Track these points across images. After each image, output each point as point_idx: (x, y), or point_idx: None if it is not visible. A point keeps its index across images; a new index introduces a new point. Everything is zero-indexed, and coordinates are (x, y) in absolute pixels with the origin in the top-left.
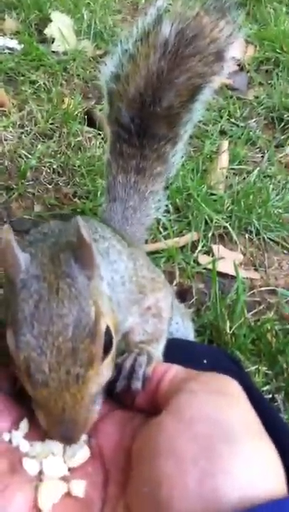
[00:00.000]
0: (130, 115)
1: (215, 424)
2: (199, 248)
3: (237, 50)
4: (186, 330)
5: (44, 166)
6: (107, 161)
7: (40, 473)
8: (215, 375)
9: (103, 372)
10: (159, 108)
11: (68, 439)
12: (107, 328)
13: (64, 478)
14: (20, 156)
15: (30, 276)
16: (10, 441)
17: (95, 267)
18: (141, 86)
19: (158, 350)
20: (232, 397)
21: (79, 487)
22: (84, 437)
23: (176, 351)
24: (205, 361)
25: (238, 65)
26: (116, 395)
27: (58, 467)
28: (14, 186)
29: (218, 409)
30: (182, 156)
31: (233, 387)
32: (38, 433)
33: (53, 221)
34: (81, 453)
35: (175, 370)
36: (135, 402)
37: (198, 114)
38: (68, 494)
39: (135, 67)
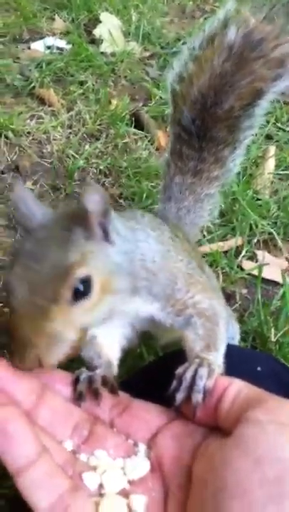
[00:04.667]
0: (192, 116)
1: (284, 467)
2: (243, 253)
3: None
4: (233, 329)
5: (91, 167)
6: (166, 162)
7: (100, 486)
8: (281, 402)
9: (75, 315)
10: (220, 110)
11: (21, 360)
12: (87, 278)
13: (123, 492)
14: (67, 156)
15: (37, 225)
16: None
17: (97, 230)
18: (204, 87)
19: (218, 359)
20: None
21: (139, 503)
22: (143, 449)
23: (229, 357)
24: (259, 368)
25: None
26: (176, 406)
27: (118, 480)
28: (61, 186)
29: (287, 449)
30: (240, 162)
31: None
32: (99, 439)
33: None
34: (142, 465)
35: (237, 386)
36: (195, 416)
37: (258, 121)
38: (128, 509)
39: (199, 68)
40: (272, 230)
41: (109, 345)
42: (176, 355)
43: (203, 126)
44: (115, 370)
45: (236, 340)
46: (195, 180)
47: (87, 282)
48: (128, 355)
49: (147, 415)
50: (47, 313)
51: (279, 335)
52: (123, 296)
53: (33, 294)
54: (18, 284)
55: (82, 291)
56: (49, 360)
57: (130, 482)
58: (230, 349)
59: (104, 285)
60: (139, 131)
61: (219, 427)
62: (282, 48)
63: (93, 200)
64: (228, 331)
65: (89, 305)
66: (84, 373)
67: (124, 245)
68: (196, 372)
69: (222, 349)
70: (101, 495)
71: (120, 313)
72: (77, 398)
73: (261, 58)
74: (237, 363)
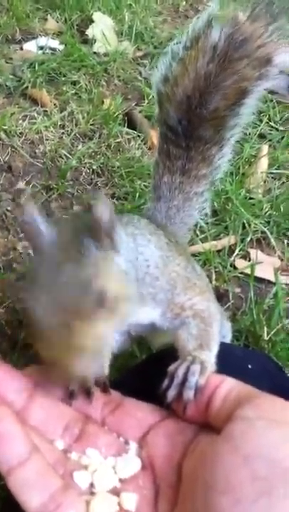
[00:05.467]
0: (178, 117)
1: (274, 464)
2: (236, 252)
3: (283, 53)
4: (224, 328)
5: (84, 167)
6: (154, 162)
7: (92, 485)
8: (270, 399)
9: (97, 328)
10: (205, 110)
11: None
12: (104, 290)
13: (115, 491)
14: (60, 156)
15: (48, 241)
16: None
17: (105, 239)
18: (188, 88)
19: (211, 358)
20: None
21: (130, 501)
22: (134, 447)
23: (221, 355)
24: (250, 366)
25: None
26: (167, 403)
27: (109, 479)
28: (54, 186)
29: (276, 446)
30: (229, 160)
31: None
32: (90, 438)
33: None
34: (132, 464)
35: (229, 384)
36: (186, 413)
37: (245, 119)
38: (119, 507)
39: (184, 69)
40: (265, 229)
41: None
42: (168, 353)
43: (190, 126)
44: (106, 370)
45: (228, 339)
46: (183, 179)
47: (104, 293)
48: (120, 354)
49: (139, 413)
50: (74, 330)
51: (272, 333)
52: (133, 305)
53: (57, 313)
54: (40, 306)
55: (101, 302)
56: (81, 374)
57: (121, 480)
58: (222, 347)
59: (118, 294)
60: (132, 131)
61: (210, 424)
62: (266, 47)
63: (102, 210)
64: (220, 330)
65: (108, 316)
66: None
67: (128, 252)
68: (188, 369)
69: (215, 349)
70: (92, 493)
71: (130, 322)
72: (69, 397)
73: (245, 58)
74: (228, 360)
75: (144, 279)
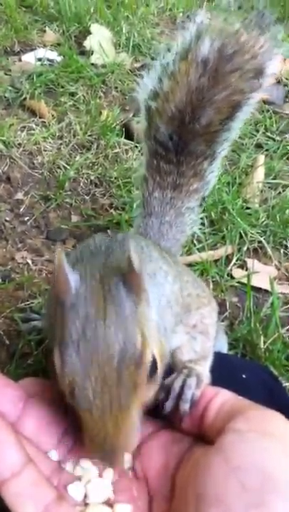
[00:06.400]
0: (168, 132)
1: (263, 476)
2: (233, 262)
3: (274, 64)
4: (219, 342)
5: (82, 177)
6: (143, 177)
7: (86, 496)
8: (262, 411)
9: (146, 398)
10: (198, 125)
11: (109, 464)
12: (153, 357)
13: (109, 502)
14: (58, 167)
15: (80, 299)
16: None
17: (143, 293)
18: (180, 103)
19: (206, 368)
20: (279, 442)
21: (124, 511)
22: (128, 457)
23: (216, 365)
24: (244, 376)
25: (275, 78)
26: (164, 415)
27: (103, 490)
28: (52, 196)
29: (266, 458)
30: (218, 174)
31: (280, 426)
32: (84, 448)
33: (98, 236)
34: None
35: (223, 397)
36: (182, 425)
37: (236, 133)
38: None
39: (175, 84)
40: (261, 239)
41: None
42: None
43: (181, 141)
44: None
45: (224, 351)
46: (175, 194)
47: (152, 360)
48: None
49: None
50: (128, 409)
51: (268, 342)
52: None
53: (108, 393)
54: (87, 383)
55: (152, 371)
56: (132, 446)
57: (115, 491)
58: (217, 356)
59: (161, 353)
60: (130, 142)
61: (204, 436)
62: (257, 59)
63: (138, 260)
64: (216, 345)
65: (156, 381)
66: None
67: (153, 299)
68: (184, 382)
69: (210, 359)
70: (86, 504)
71: None
72: (65, 408)
73: (237, 71)
74: (223, 370)
75: (168, 323)
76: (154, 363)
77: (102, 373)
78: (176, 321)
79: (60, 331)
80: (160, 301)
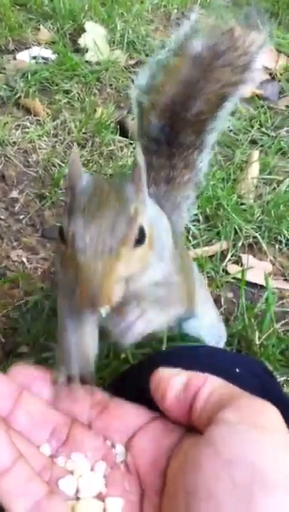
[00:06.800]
0: (160, 125)
1: (254, 470)
2: (228, 257)
3: (268, 60)
4: (220, 328)
5: None
6: None
7: (77, 490)
8: (253, 400)
9: (132, 260)
10: (189, 114)
11: (92, 304)
12: (142, 226)
13: (100, 495)
14: (53, 165)
15: (88, 185)
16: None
17: (143, 186)
18: (172, 95)
19: (158, 316)
20: (270, 434)
21: (116, 506)
22: (121, 450)
23: (208, 359)
24: (237, 370)
25: (270, 74)
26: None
27: (95, 483)
28: (47, 194)
29: (257, 452)
30: (210, 162)
31: (271, 418)
32: (76, 442)
33: None
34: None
35: (212, 385)
36: (170, 414)
37: (225, 122)
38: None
39: (167, 77)
40: (256, 234)
41: (86, 344)
42: (161, 357)
43: (173, 132)
44: (93, 367)
45: (222, 342)
46: (169, 187)
47: (142, 231)
48: (113, 359)
49: (126, 415)
50: (117, 255)
51: (263, 338)
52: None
53: (102, 237)
54: (86, 230)
55: (142, 238)
56: (115, 298)
57: (107, 485)
58: (209, 350)
59: (149, 237)
60: (124, 139)
61: (194, 426)
62: (248, 55)
63: (143, 162)
64: (215, 327)
65: (141, 253)
66: (62, 373)
67: (151, 211)
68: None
69: (166, 314)
70: (78, 498)
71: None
72: (55, 399)
73: (229, 66)
74: (216, 364)
75: (160, 236)
76: (141, 231)
77: (99, 223)
78: (164, 245)
79: (69, 205)
80: (155, 216)
